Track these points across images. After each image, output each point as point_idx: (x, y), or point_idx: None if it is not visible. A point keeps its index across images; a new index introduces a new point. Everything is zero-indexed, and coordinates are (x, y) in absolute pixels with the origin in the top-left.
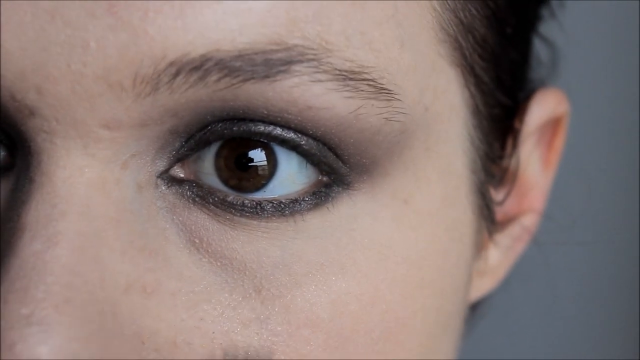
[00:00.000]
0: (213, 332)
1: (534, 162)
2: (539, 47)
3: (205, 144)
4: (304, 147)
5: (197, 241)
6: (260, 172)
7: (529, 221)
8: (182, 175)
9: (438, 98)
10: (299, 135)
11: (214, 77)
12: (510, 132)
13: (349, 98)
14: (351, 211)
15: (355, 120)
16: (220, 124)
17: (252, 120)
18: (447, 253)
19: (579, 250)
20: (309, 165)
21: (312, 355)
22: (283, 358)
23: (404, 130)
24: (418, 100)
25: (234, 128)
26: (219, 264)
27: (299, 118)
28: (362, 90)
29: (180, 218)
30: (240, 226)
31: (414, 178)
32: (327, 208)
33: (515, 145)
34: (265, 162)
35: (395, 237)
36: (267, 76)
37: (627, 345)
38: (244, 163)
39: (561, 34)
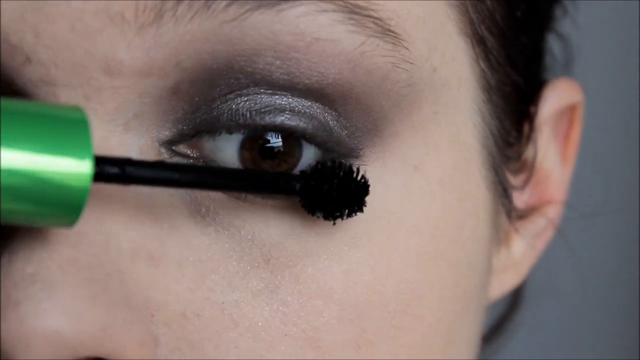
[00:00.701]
0: (223, 302)
1: (552, 153)
2: (553, 45)
3: (212, 128)
4: (314, 128)
5: (203, 210)
6: (283, 160)
7: (552, 214)
8: (188, 152)
9: (446, 63)
10: (308, 105)
11: (220, 4)
12: (526, 117)
13: (354, 32)
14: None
15: (362, 57)
16: (224, 102)
17: (257, 84)
18: (461, 225)
19: (579, 248)
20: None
21: (326, 328)
22: (295, 330)
23: (412, 84)
24: (426, 57)
25: (240, 104)
26: (226, 232)
27: (307, 57)
28: (368, 27)
29: None
30: (249, 200)
31: (424, 143)
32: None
33: (531, 130)
34: (281, 146)
35: (406, 206)
36: (274, 4)
37: (627, 345)
38: (269, 152)
39: (576, 31)
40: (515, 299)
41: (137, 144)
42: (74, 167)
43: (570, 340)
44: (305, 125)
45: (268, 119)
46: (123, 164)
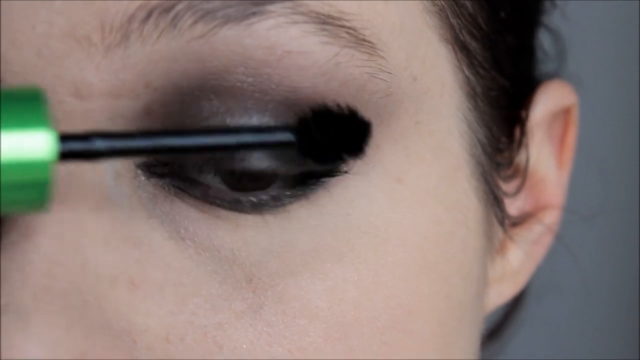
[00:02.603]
0: (205, 326)
1: (546, 157)
2: (544, 40)
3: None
4: (283, 163)
5: (182, 231)
6: (263, 180)
7: (550, 219)
8: (165, 171)
9: (427, 72)
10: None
11: (187, 22)
12: (516, 122)
13: (327, 44)
14: (346, 195)
15: (336, 69)
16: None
17: (228, 108)
18: (450, 236)
19: (581, 248)
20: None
21: (313, 347)
22: (281, 351)
23: (390, 94)
24: (404, 66)
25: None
26: (207, 254)
27: (279, 72)
28: (342, 38)
29: (162, 208)
30: (223, 217)
31: (405, 153)
32: (313, 198)
33: (522, 135)
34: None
35: (392, 219)
36: (242, 18)
37: (629, 344)
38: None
39: (568, 27)
40: (517, 298)
41: (112, 167)
42: (36, 145)
43: (573, 339)
44: (275, 166)
45: (237, 165)
46: (88, 137)
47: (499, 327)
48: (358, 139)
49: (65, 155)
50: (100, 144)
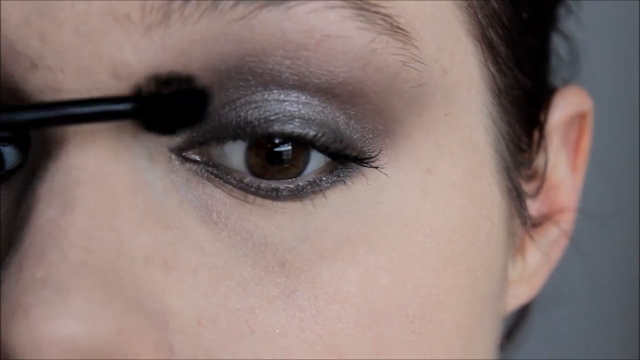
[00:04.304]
0: (238, 309)
1: (562, 161)
2: (558, 45)
3: (219, 135)
4: (326, 137)
5: (214, 215)
6: (291, 165)
7: (565, 224)
8: (197, 158)
9: (456, 65)
10: (318, 109)
11: (228, 3)
12: (535, 124)
13: (364, 29)
14: (376, 183)
15: (372, 55)
16: (232, 109)
17: (266, 86)
18: (476, 229)
19: (591, 255)
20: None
21: (344, 334)
22: (313, 336)
23: (422, 84)
24: (436, 57)
25: (249, 112)
26: (238, 237)
27: (317, 55)
28: (378, 24)
29: (195, 193)
30: (257, 204)
31: (436, 145)
32: (349, 183)
33: (541, 137)
34: (291, 151)
35: (422, 209)
36: (281, 1)
37: (627, 345)
38: (277, 157)
39: (583, 33)
40: (524, 308)
41: (146, 149)
42: None
43: (580, 349)
44: (315, 133)
45: (277, 127)
46: None
47: (506, 337)
48: (197, 107)
49: None
50: None
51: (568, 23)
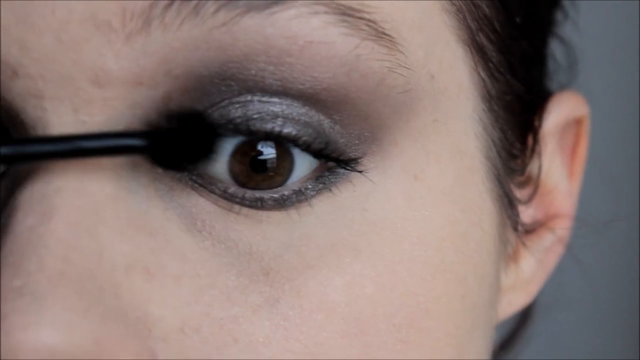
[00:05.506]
0: (221, 318)
1: (557, 167)
2: (555, 50)
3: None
4: (308, 135)
5: (199, 223)
6: (275, 173)
7: (561, 230)
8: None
9: (444, 71)
10: (302, 112)
11: (209, 9)
12: (529, 129)
13: (348, 35)
14: (362, 190)
15: (357, 61)
16: (216, 110)
17: (249, 91)
18: (466, 236)
19: (590, 260)
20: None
21: (329, 343)
22: (298, 345)
23: (409, 90)
24: (423, 63)
25: (232, 111)
26: (223, 246)
27: (301, 61)
28: (362, 30)
29: (179, 201)
30: (243, 213)
31: (424, 152)
32: (335, 191)
33: (535, 143)
34: (275, 158)
35: (409, 216)
36: (264, 7)
37: (627, 350)
38: (260, 165)
39: (581, 37)
40: (525, 313)
41: (129, 157)
42: None
43: (582, 352)
44: (298, 132)
45: (259, 125)
46: None
47: (507, 343)
48: (206, 143)
49: None
50: None
51: (566, 28)
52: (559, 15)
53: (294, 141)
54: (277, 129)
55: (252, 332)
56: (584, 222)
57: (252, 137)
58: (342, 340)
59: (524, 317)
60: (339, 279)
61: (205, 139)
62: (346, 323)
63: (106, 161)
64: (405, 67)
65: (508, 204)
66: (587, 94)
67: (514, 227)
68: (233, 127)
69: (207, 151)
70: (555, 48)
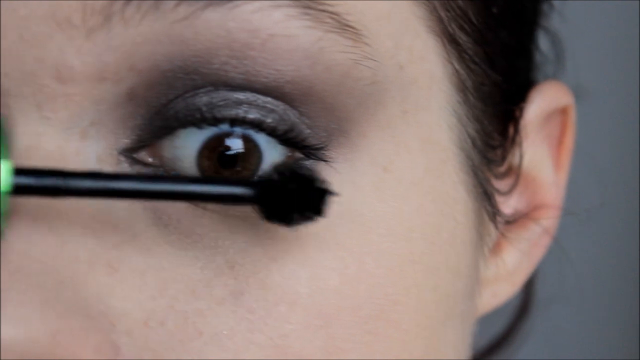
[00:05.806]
0: (186, 311)
1: (541, 157)
2: (542, 42)
3: (168, 126)
4: (273, 119)
5: (165, 218)
6: (243, 168)
7: (548, 222)
8: (149, 160)
9: (414, 62)
10: (267, 100)
11: (169, 4)
12: (510, 119)
13: (311, 28)
14: (331, 181)
15: (320, 53)
16: (180, 99)
17: (213, 84)
18: (437, 227)
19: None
20: (278, 145)
21: (293, 335)
22: (262, 337)
23: (376, 82)
24: (391, 54)
25: (196, 99)
26: (189, 240)
27: (263, 55)
28: (325, 22)
29: None
30: (210, 208)
31: (393, 142)
32: None
33: (516, 132)
34: (243, 151)
35: (377, 208)
36: (225, 1)
37: (627, 345)
38: (228, 160)
39: (566, 26)
40: (523, 309)
41: (94, 152)
42: None
43: (581, 347)
44: (263, 117)
45: (225, 112)
46: (43, 173)
47: (504, 339)
48: (317, 203)
49: (20, 190)
50: (49, 182)
51: (553, 19)
52: (544, 6)
53: (259, 125)
54: (241, 114)
55: (216, 325)
56: (583, 218)
57: (217, 123)
58: (306, 332)
59: (522, 313)
60: (303, 271)
61: (316, 197)
62: (310, 315)
63: (71, 156)
64: (371, 59)
65: (484, 195)
66: (576, 86)
67: (492, 218)
68: (198, 115)
69: (318, 210)
70: (541, 40)
